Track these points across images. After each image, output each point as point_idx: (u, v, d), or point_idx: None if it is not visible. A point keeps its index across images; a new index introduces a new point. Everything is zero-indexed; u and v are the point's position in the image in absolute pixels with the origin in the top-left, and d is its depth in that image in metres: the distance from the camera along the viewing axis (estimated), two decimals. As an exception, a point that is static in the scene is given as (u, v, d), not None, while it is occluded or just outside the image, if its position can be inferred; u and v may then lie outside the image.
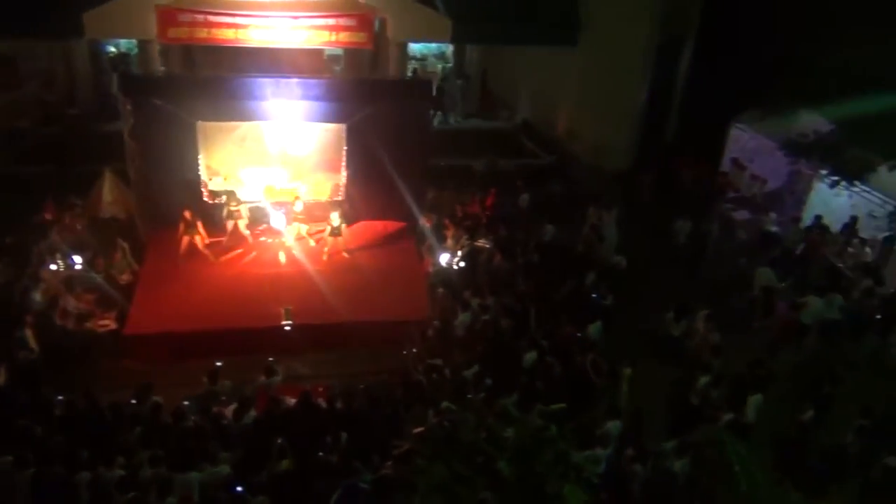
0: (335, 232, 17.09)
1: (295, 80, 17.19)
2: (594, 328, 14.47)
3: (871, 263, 17.16)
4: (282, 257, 17.22)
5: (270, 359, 13.26)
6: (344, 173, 18.18)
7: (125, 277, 15.96)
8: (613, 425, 12.23)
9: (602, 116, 21.31)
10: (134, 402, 11.95)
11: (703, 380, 13.38)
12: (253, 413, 11.95)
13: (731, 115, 20.74)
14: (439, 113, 22.76)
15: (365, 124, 17.41)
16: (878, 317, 15.63)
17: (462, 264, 16.38)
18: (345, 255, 17.31)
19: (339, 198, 18.17)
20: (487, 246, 16.85)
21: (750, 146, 20.13)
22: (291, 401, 12.34)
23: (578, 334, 14.38)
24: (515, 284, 15.87)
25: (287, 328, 14.93)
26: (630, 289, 16.42)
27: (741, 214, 19.50)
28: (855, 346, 15.60)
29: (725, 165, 21.07)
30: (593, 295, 15.58)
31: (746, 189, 20.62)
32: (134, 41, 21.58)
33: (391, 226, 18.31)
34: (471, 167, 20.97)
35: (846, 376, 14.33)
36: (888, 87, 15.67)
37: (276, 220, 17.62)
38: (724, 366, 13.84)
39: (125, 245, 16.36)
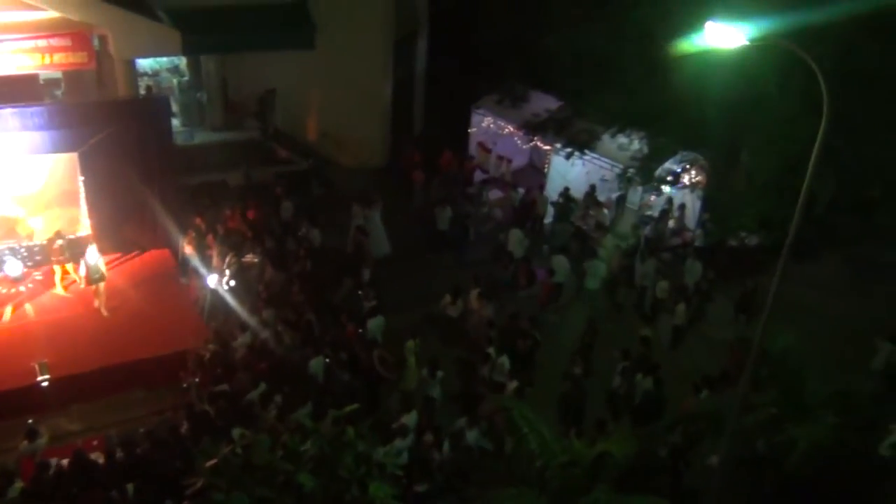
0: (95, 276, 15.27)
1: (9, 111, 15.42)
2: (374, 324, 14.67)
3: (609, 223, 19.15)
4: (27, 308, 15.46)
5: (30, 421, 11.91)
6: (85, 206, 16.69)
7: None
8: (409, 416, 12.50)
9: (351, 116, 21.51)
10: None
11: (491, 353, 14.14)
12: (19, 484, 10.67)
13: (471, 102, 21.89)
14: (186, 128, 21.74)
15: (100, 150, 16.05)
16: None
17: (233, 283, 15.78)
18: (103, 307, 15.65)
19: (86, 233, 16.64)
20: (256, 260, 16.38)
21: (492, 129, 21.40)
22: (64, 462, 11.19)
23: (360, 331, 14.52)
24: (292, 294, 15.61)
25: (44, 384, 13.45)
26: (404, 279, 16.85)
27: (494, 193, 20.74)
28: (609, 297, 17.37)
29: (472, 150, 22.20)
30: (359, 292, 15.77)
31: (495, 169, 21.93)
32: None
33: (148, 254, 17.16)
34: (225, 181, 20.22)
35: (604, 327, 15.89)
36: (606, 63, 17.43)
37: (11, 267, 15.76)
38: (501, 337, 14.71)
39: None
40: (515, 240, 17.86)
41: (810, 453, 11.13)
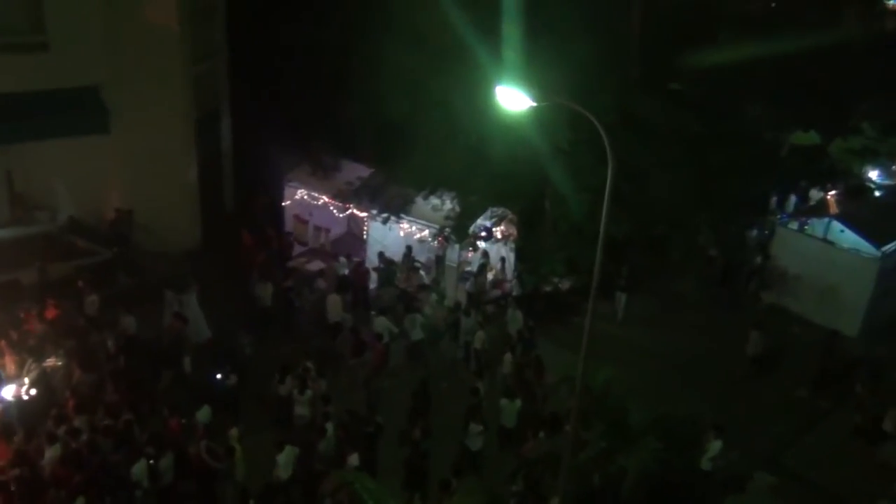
0: None
1: None
2: (202, 413, 13.91)
3: (433, 283, 19.56)
4: None
5: None
6: None
7: None
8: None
9: (156, 200, 20.55)
10: None
11: (329, 428, 13.81)
12: None
13: (283, 175, 21.71)
14: None
15: None
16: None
17: (34, 392, 14.34)
18: None
19: None
20: (60, 363, 15.04)
21: (306, 201, 21.30)
22: None
23: (183, 421, 13.73)
24: (106, 395, 14.45)
25: None
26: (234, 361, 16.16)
27: (315, 265, 20.52)
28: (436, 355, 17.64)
29: (288, 223, 21.94)
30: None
31: (313, 240, 21.77)
32: None
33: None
34: (18, 280, 18.50)
35: (438, 386, 16.08)
36: (409, 129, 18.02)
37: None
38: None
39: None
40: (332, 304, 17.79)
41: (640, 479, 11.78)
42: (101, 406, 14.08)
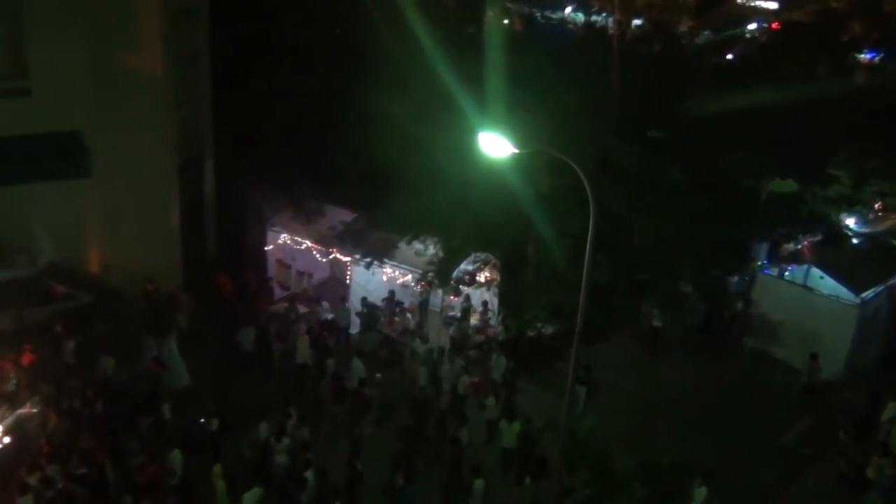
0: None
1: None
2: (175, 456, 13.74)
3: (416, 327, 19.46)
4: None
5: None
6: None
7: None
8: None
9: (137, 244, 20.43)
10: None
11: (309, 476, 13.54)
12: None
13: (266, 220, 21.69)
14: None
15: None
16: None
17: (7, 440, 14.01)
18: None
19: None
20: (36, 410, 14.72)
21: (289, 245, 21.26)
22: None
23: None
24: (81, 443, 14.12)
25: None
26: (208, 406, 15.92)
27: (298, 309, 20.35)
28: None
29: (271, 267, 21.85)
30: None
31: (296, 285, 21.65)
32: None
33: None
34: (-5, 326, 18.19)
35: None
36: (394, 175, 18.14)
37: None
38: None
39: None
40: (303, 346, 17.68)
41: (626, 527, 11.61)
42: (77, 454, 13.77)
